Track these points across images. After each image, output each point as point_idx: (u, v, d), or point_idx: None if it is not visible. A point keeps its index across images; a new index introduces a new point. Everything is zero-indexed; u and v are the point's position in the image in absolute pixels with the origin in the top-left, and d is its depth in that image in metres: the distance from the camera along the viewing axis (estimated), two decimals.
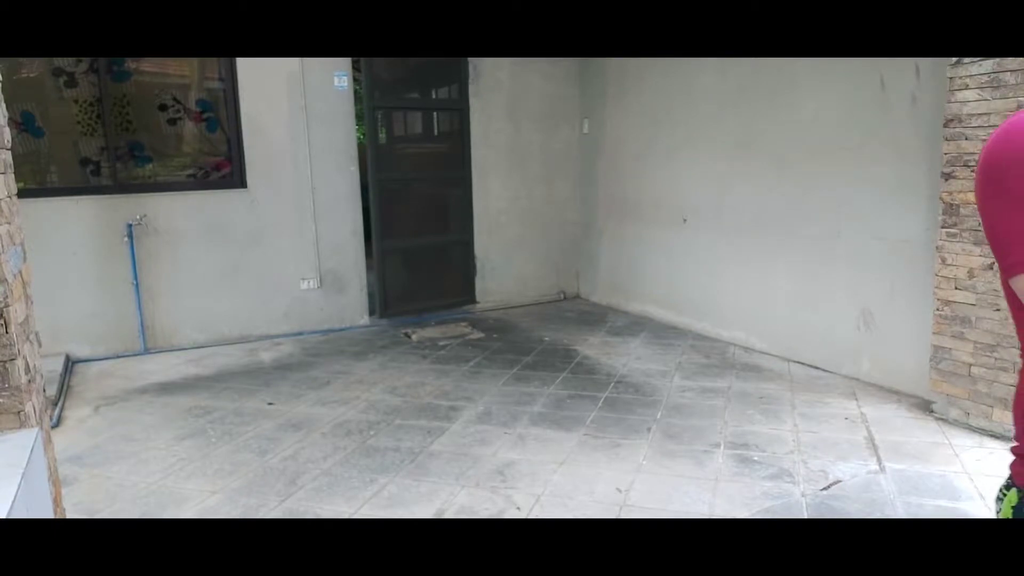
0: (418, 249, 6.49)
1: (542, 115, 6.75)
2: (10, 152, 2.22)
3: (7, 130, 2.17)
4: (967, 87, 3.52)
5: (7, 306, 1.92)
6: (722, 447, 3.52)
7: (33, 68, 5.05)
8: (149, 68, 5.36)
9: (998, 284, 3.47)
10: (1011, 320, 1.10)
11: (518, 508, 2.97)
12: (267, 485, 3.20)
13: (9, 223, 2.09)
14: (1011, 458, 1.11)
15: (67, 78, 5.10)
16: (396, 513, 2.95)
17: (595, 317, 6.39)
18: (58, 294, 4.98)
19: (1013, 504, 1.08)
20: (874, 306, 4.34)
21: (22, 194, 2.67)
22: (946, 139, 3.64)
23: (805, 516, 2.87)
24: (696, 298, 5.74)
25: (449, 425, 3.86)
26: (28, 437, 1.94)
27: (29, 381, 2.05)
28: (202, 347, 5.48)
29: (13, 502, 1.59)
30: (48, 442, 2.25)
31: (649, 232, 6.19)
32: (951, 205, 3.64)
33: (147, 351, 5.33)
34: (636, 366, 4.88)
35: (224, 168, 5.62)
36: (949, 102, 3.61)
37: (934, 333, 3.81)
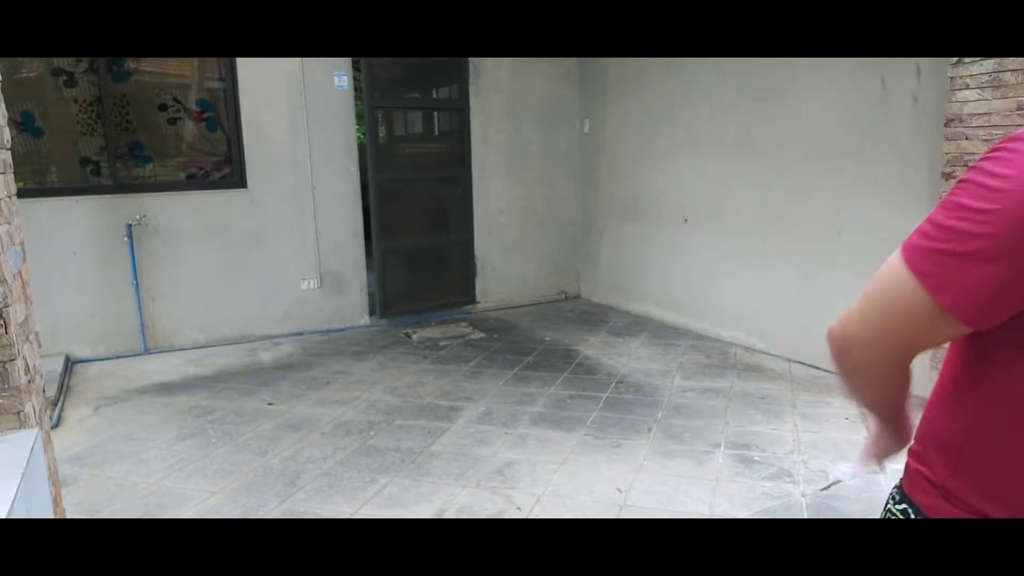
0: (418, 249, 6.49)
1: (542, 115, 6.75)
2: (10, 152, 2.22)
3: (7, 130, 2.17)
4: (968, 87, 3.52)
5: (7, 306, 1.92)
6: (722, 447, 3.52)
7: (33, 68, 5.05)
8: (149, 68, 5.37)
9: None
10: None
11: (518, 508, 2.97)
12: (267, 485, 3.20)
13: (9, 223, 2.09)
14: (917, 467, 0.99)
15: (67, 78, 5.10)
16: (396, 513, 2.95)
17: (596, 317, 6.39)
18: (58, 294, 4.98)
19: None
20: None
21: (22, 194, 2.67)
22: (947, 139, 3.64)
23: (805, 516, 2.87)
24: (697, 298, 5.74)
25: (449, 425, 3.86)
26: (28, 437, 1.94)
27: (29, 381, 2.05)
28: (202, 347, 5.48)
29: (13, 502, 1.59)
30: (48, 442, 2.25)
31: (650, 232, 6.19)
32: None
33: (147, 351, 5.33)
34: (637, 366, 4.88)
35: (224, 168, 5.62)
36: (950, 102, 3.61)
37: None
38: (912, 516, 0.98)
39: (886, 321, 0.90)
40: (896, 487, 1.04)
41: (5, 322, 1.92)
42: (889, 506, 1.03)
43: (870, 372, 0.99)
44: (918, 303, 0.84)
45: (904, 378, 1.00)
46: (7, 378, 1.95)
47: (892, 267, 0.88)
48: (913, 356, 0.95)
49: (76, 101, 5.15)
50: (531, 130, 6.72)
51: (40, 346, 2.40)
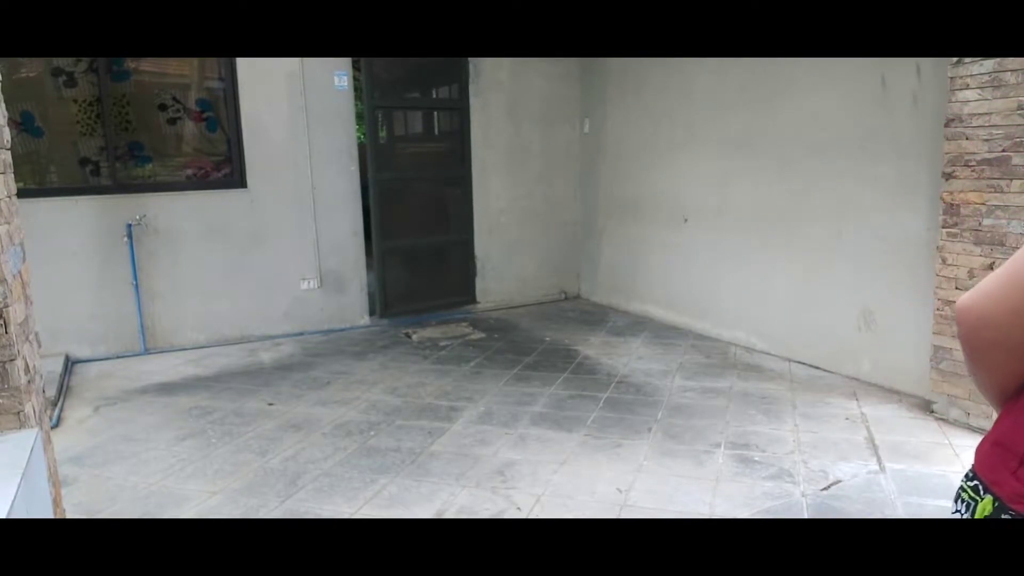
0: (418, 249, 6.49)
1: (542, 115, 6.75)
2: (10, 152, 2.22)
3: (7, 130, 2.17)
4: (968, 87, 3.52)
5: (7, 306, 1.92)
6: (723, 447, 3.52)
7: (33, 68, 5.05)
8: (149, 68, 5.36)
9: None
10: None
11: (518, 508, 2.97)
12: (267, 485, 3.20)
13: (9, 223, 2.09)
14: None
15: (67, 78, 5.10)
16: (396, 513, 2.95)
17: (596, 317, 6.39)
18: (58, 294, 4.98)
19: (987, 513, 0.97)
20: (875, 306, 4.34)
21: (22, 194, 2.67)
22: (947, 139, 3.64)
23: (805, 516, 2.87)
24: (697, 298, 5.74)
25: (450, 425, 3.86)
26: (28, 437, 1.94)
27: (29, 381, 2.05)
28: (202, 347, 5.48)
29: (13, 502, 1.59)
30: (48, 442, 2.25)
31: (650, 232, 6.19)
32: (952, 205, 3.64)
33: (147, 351, 5.33)
34: (637, 366, 4.88)
35: (224, 168, 5.62)
36: (950, 102, 3.61)
37: (934, 333, 3.80)
38: (981, 491, 0.99)
39: None
40: (972, 465, 1.04)
41: (5, 322, 1.92)
42: (962, 483, 1.04)
43: (996, 355, 0.95)
44: None
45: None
46: (7, 378, 1.95)
47: None
48: None
49: (76, 101, 5.15)
50: (531, 130, 6.72)
51: (40, 346, 2.40)
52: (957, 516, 1.03)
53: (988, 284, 0.92)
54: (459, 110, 6.41)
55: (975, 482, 1.01)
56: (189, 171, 5.57)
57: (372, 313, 6.21)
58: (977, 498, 0.99)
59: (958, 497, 1.04)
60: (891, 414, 3.90)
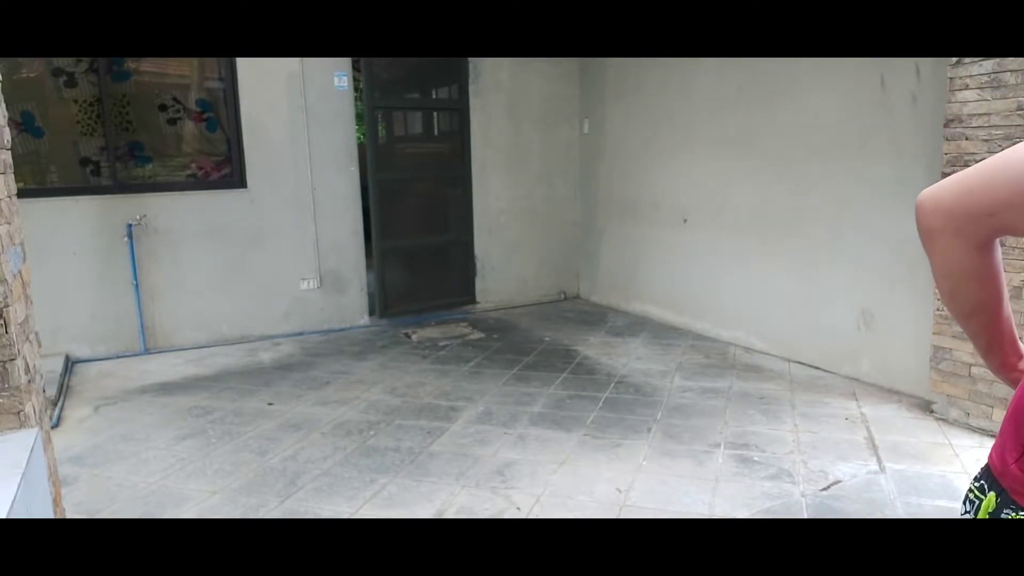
0: (418, 249, 6.49)
1: (542, 115, 6.75)
2: (10, 152, 2.22)
3: (7, 130, 2.17)
4: (967, 87, 3.52)
5: (7, 306, 1.93)
6: (722, 447, 3.52)
7: (33, 68, 5.05)
8: (149, 68, 5.36)
9: None
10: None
11: (518, 508, 2.97)
12: (267, 485, 3.20)
13: (9, 223, 2.09)
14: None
15: (67, 78, 5.10)
16: (396, 513, 2.95)
17: (595, 317, 6.39)
18: (58, 294, 4.98)
19: (990, 510, 0.98)
20: (874, 306, 4.34)
21: (22, 194, 2.67)
22: (946, 139, 3.64)
23: (805, 516, 2.87)
24: (696, 298, 5.74)
25: (449, 425, 3.86)
26: (28, 437, 1.94)
27: (29, 381, 2.05)
28: (202, 347, 5.48)
29: (13, 502, 1.59)
30: (48, 442, 2.25)
31: (649, 232, 6.19)
32: None
33: (147, 351, 5.33)
34: (636, 366, 4.88)
35: (224, 168, 5.62)
36: (949, 102, 3.61)
37: (934, 333, 3.80)
38: (985, 489, 1.00)
39: (984, 185, 0.89)
40: (979, 488, 1.05)
41: (5, 322, 1.92)
42: (970, 484, 1.05)
43: (946, 238, 0.95)
44: None
45: (980, 271, 0.96)
46: (7, 378, 1.95)
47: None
48: (987, 238, 0.93)
49: (76, 101, 5.15)
50: (531, 130, 6.72)
51: (40, 346, 2.40)
52: (967, 517, 1.03)
53: (951, 176, 0.95)
54: (459, 110, 6.41)
55: (981, 481, 1.02)
56: (189, 171, 5.57)
57: (372, 313, 6.21)
58: (981, 496, 1.00)
59: (965, 499, 1.05)
60: (891, 414, 3.91)
